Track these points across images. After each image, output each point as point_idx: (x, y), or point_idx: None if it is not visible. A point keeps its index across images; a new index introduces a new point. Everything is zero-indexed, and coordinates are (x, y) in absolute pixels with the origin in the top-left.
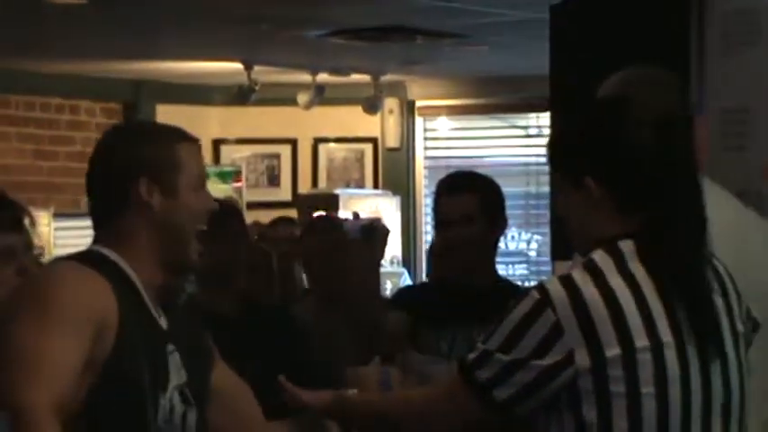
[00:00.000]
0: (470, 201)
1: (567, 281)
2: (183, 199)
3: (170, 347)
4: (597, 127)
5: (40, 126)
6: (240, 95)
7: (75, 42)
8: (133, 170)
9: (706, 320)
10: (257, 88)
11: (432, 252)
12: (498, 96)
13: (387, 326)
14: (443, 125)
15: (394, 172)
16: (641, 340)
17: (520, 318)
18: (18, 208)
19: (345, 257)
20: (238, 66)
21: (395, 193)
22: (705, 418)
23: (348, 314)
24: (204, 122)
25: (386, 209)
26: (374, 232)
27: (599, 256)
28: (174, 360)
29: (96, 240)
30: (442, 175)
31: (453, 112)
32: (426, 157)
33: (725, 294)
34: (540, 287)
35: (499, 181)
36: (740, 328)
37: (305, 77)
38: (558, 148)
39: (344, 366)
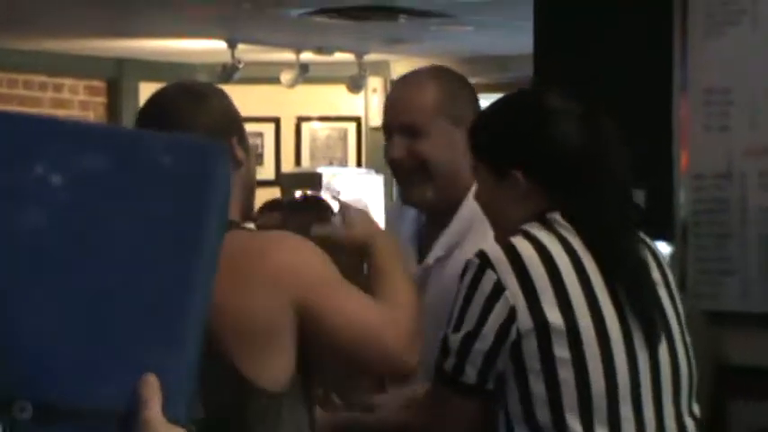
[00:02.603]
0: None
1: (505, 244)
2: (252, 160)
3: None
4: (524, 119)
5: (23, 103)
6: (224, 74)
7: (59, 19)
8: (233, 127)
9: (647, 301)
10: (241, 67)
11: None
12: (482, 76)
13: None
14: None
15: (377, 151)
16: (581, 309)
17: (466, 288)
18: None
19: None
20: (222, 44)
21: (378, 171)
22: (656, 393)
23: None
24: None
25: (369, 188)
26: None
27: (531, 226)
28: None
29: None
30: None
31: None
32: None
33: (661, 269)
34: (480, 252)
35: None
36: (677, 297)
37: (288, 56)
38: (481, 137)
39: None
